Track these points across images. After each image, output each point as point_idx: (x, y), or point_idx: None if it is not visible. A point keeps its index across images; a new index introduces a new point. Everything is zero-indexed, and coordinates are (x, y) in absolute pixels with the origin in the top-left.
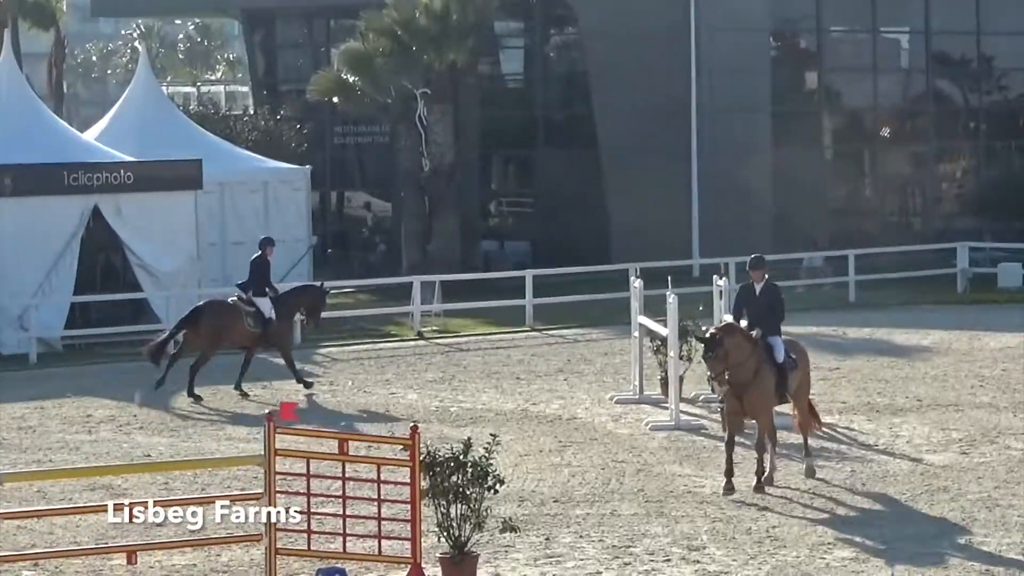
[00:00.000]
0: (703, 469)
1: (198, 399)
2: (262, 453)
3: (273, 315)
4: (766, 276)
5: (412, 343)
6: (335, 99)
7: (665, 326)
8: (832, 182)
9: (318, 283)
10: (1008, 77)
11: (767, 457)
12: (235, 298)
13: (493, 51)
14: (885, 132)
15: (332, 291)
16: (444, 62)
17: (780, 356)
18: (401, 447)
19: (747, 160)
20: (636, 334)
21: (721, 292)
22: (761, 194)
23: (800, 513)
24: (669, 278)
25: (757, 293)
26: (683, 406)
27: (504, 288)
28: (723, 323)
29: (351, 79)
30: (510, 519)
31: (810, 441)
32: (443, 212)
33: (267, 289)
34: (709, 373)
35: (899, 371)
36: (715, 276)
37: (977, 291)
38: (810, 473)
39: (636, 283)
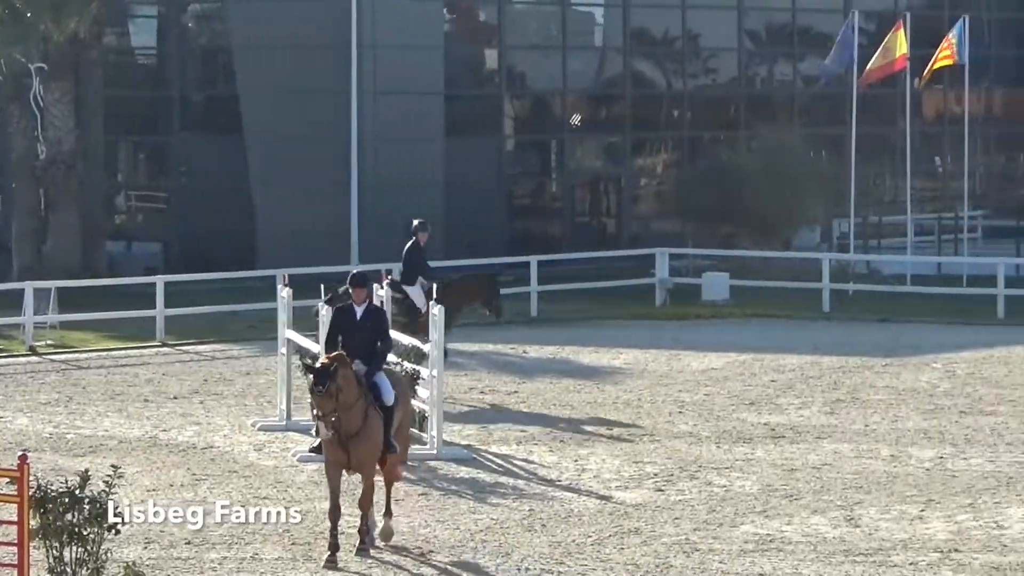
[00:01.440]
0: (356, 507)
1: None
2: None
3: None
4: (369, 297)
5: (23, 359)
6: None
7: (317, 342)
8: (513, 177)
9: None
10: (717, 58)
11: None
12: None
13: (121, 21)
14: (575, 120)
15: None
16: (64, 33)
17: (389, 399)
18: (7, 480)
19: (416, 151)
20: (283, 351)
21: (382, 301)
22: (432, 190)
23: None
24: (323, 287)
25: (358, 317)
26: None
27: (132, 297)
28: (335, 354)
29: None
30: (133, 564)
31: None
32: (61, 207)
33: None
34: (316, 411)
35: (587, 395)
36: (375, 285)
37: (678, 304)
38: (387, 536)
39: (284, 292)
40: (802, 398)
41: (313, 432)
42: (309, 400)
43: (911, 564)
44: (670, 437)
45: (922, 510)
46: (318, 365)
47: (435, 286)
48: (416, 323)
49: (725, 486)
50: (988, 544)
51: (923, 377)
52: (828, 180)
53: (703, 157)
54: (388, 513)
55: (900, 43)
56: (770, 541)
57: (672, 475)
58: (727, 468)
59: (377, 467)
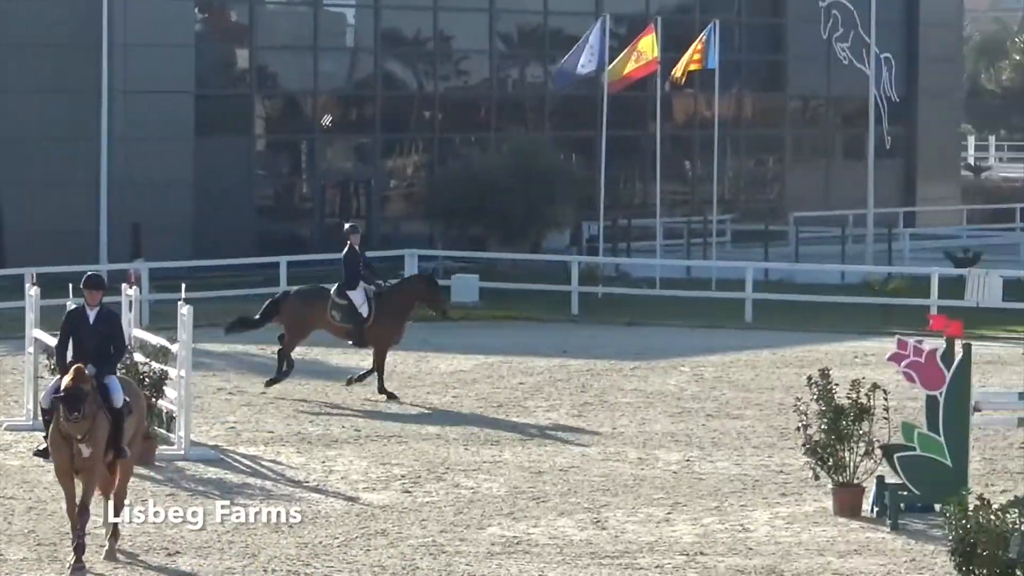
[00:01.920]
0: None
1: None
2: None
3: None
4: (102, 301)
5: None
6: None
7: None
8: (263, 177)
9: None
10: (469, 60)
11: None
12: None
13: None
14: (326, 121)
15: None
16: None
17: (118, 400)
18: None
19: (166, 150)
20: (31, 350)
21: (131, 303)
22: (181, 189)
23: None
24: (71, 286)
25: (91, 321)
26: None
27: None
28: (73, 370)
29: None
30: None
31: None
32: None
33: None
34: (70, 434)
35: (335, 396)
36: (124, 284)
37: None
38: (110, 556)
39: (32, 291)
40: (550, 401)
41: (43, 436)
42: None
43: (657, 567)
44: (418, 439)
45: (668, 513)
46: (63, 391)
47: (373, 292)
48: (362, 330)
49: (472, 488)
50: (734, 547)
51: (671, 380)
52: (578, 183)
53: (454, 159)
54: (113, 534)
55: (651, 47)
56: (517, 543)
57: (419, 477)
58: (475, 470)
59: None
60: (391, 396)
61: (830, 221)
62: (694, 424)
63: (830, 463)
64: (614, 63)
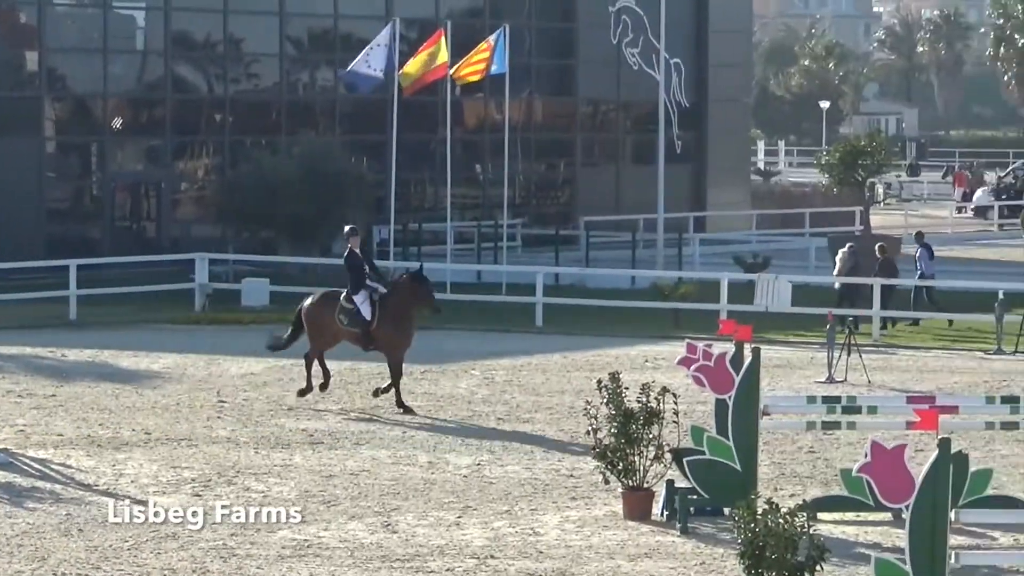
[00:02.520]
0: None
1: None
2: None
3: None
4: None
5: None
6: None
7: None
8: (54, 180)
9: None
10: (259, 63)
11: None
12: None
13: None
14: (116, 123)
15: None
16: None
17: None
18: None
19: None
20: None
21: None
22: None
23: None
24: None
25: None
26: None
27: None
28: None
29: None
30: None
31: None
32: None
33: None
34: None
35: (125, 399)
36: None
37: (218, 310)
38: None
39: None
40: (340, 404)
41: None
42: None
43: (448, 570)
44: (208, 442)
45: (459, 517)
46: None
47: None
48: (368, 334)
49: (263, 492)
50: (524, 551)
51: (462, 384)
52: (369, 186)
53: (245, 162)
54: None
55: (441, 52)
56: (307, 547)
57: (210, 480)
58: (265, 474)
59: None
60: (408, 410)
61: (621, 226)
62: (484, 428)
63: (620, 467)
64: (404, 67)
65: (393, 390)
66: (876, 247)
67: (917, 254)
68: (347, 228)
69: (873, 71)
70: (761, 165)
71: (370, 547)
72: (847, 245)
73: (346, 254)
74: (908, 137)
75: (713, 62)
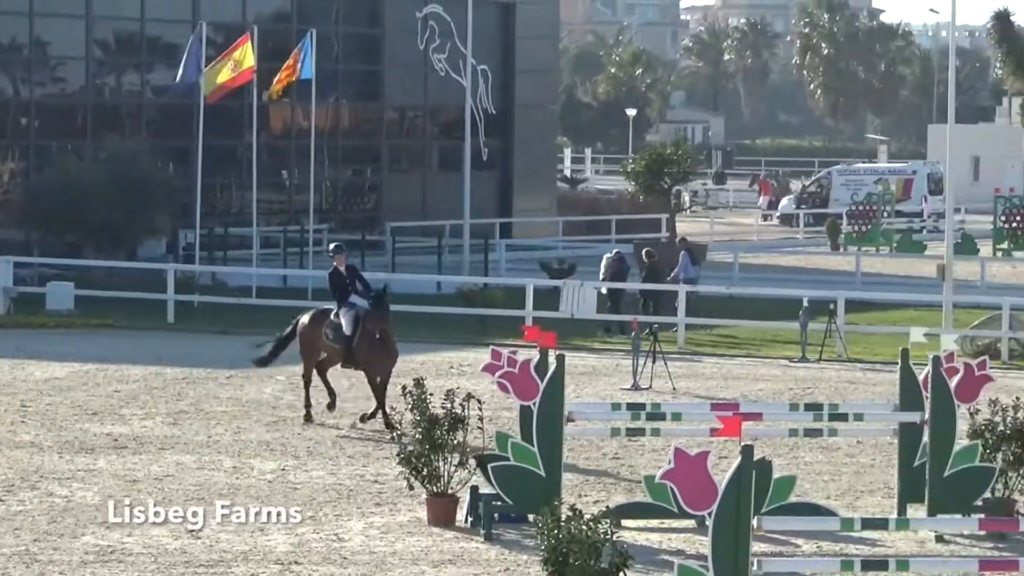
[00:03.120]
0: None
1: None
2: None
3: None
4: None
5: None
6: None
7: None
8: None
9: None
10: (65, 67)
11: None
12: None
13: None
14: None
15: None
16: None
17: None
18: None
19: None
20: None
21: None
22: None
23: None
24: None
25: None
26: None
27: None
28: None
29: None
30: None
31: None
32: None
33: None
34: None
35: None
36: None
37: (22, 313)
38: None
39: None
40: (145, 409)
41: None
42: None
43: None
44: (12, 447)
45: (264, 522)
46: None
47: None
48: (348, 350)
49: (66, 497)
50: (328, 556)
51: (267, 389)
52: (175, 191)
53: (50, 166)
54: None
55: (247, 56)
56: (111, 552)
57: (13, 485)
58: (68, 479)
59: None
60: (392, 427)
61: (427, 231)
62: (289, 433)
63: (424, 473)
64: (208, 71)
65: (380, 412)
66: (643, 252)
67: (680, 260)
68: (332, 246)
69: (680, 79)
70: (568, 172)
71: (174, 552)
72: (614, 252)
73: (330, 272)
74: (714, 145)
75: (520, 69)
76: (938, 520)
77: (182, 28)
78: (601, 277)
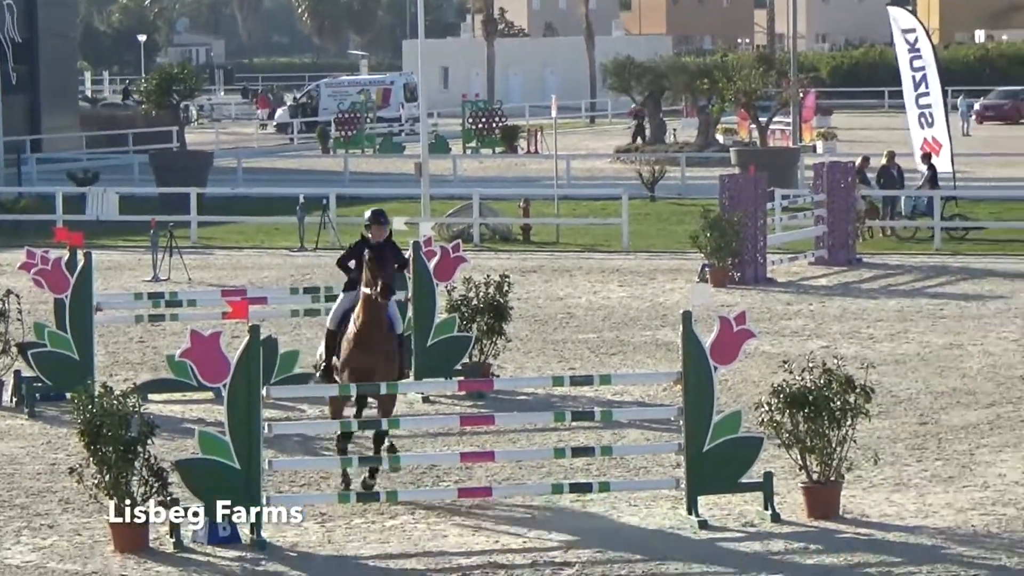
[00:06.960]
0: None
1: None
2: None
3: None
4: None
5: None
6: None
7: None
8: None
9: None
10: None
11: None
12: None
13: None
14: None
15: None
16: None
17: None
18: None
19: None
20: None
21: None
22: None
23: None
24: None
25: None
26: None
27: None
28: None
29: None
30: None
31: None
32: None
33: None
34: None
35: None
36: None
37: None
38: None
39: None
40: None
41: None
42: None
43: None
44: None
45: None
46: None
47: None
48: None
49: None
50: None
51: None
52: None
53: None
54: None
55: None
56: None
57: None
58: None
59: None
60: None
61: None
62: None
63: None
64: None
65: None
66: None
67: None
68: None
69: (184, 6)
70: (88, 93)
71: None
72: None
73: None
74: (216, 64)
75: (41, 1)
76: (423, 383)
77: None
78: None
